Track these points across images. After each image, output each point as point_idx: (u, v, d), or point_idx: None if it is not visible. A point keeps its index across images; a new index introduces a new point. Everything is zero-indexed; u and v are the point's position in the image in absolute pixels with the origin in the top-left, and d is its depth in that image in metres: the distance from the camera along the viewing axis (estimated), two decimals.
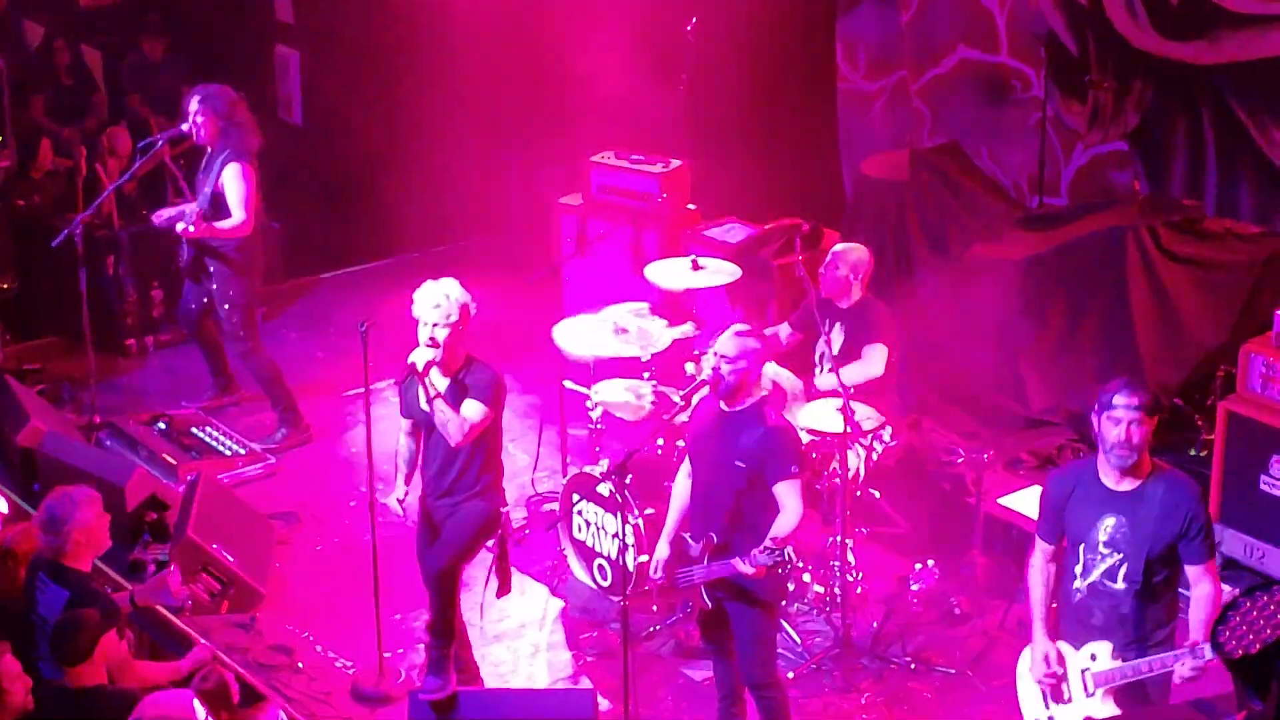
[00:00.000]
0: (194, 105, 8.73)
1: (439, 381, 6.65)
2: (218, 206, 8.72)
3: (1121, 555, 5.55)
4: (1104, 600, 5.61)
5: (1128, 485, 5.56)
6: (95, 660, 5.87)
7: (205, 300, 9.02)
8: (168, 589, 6.49)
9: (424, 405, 6.64)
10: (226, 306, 8.89)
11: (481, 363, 6.74)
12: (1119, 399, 5.49)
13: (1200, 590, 5.55)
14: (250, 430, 9.15)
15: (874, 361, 7.64)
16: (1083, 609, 5.66)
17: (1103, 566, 5.59)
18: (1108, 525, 5.57)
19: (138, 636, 6.79)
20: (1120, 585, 5.56)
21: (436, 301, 6.61)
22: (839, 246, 7.89)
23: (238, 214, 8.71)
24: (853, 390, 7.23)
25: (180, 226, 8.68)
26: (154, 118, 10.95)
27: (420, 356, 6.64)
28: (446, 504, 6.75)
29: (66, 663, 5.84)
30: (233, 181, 8.70)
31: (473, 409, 6.63)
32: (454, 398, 6.64)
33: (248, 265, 8.87)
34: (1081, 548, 5.63)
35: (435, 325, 6.60)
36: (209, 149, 8.78)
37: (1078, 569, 5.65)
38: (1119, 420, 5.48)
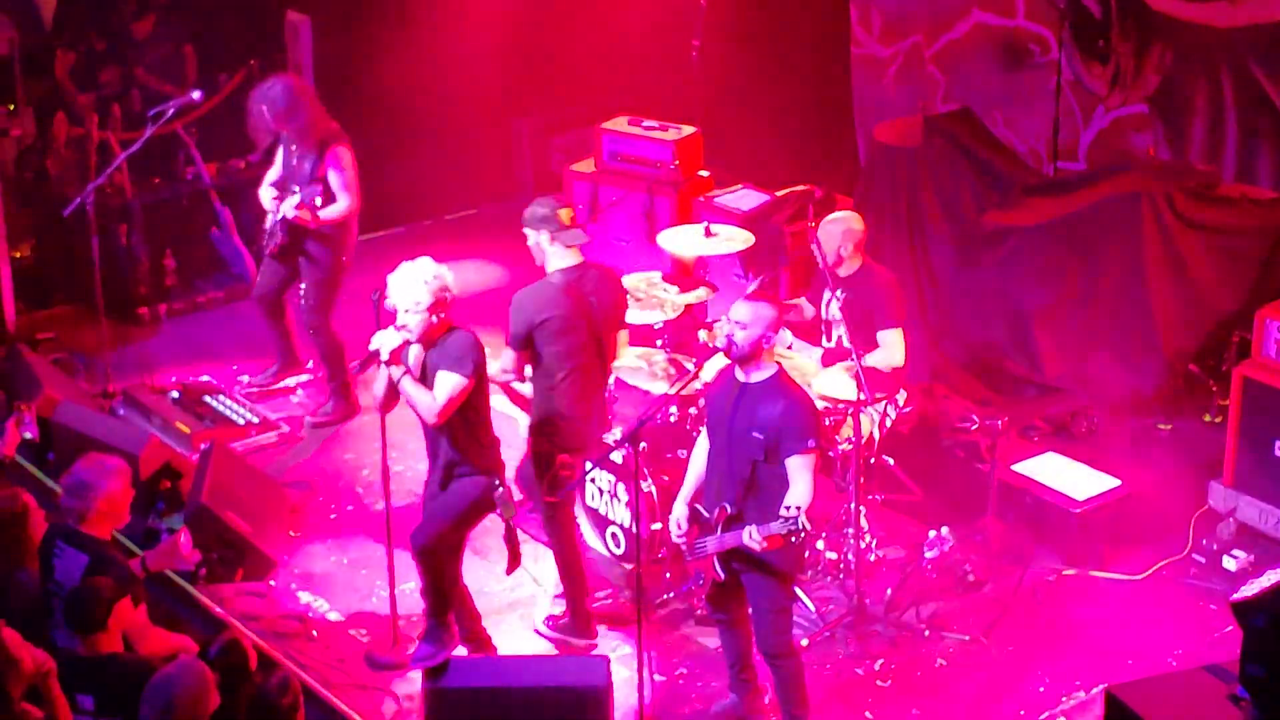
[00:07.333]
0: (257, 107, 8.57)
1: (411, 355, 6.49)
2: (326, 191, 8.66)
3: None
4: None
5: None
6: (111, 628, 5.89)
7: (286, 277, 8.92)
8: (179, 554, 6.50)
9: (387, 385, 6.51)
10: (311, 282, 8.80)
11: (460, 330, 6.55)
12: None
13: None
14: (284, 403, 9.13)
15: (893, 348, 7.60)
16: None
17: None
18: None
19: (152, 605, 6.81)
20: None
21: (407, 287, 6.43)
22: (826, 220, 7.76)
23: (343, 199, 8.63)
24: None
25: (290, 212, 8.54)
26: (164, 85, 10.91)
27: (384, 342, 6.46)
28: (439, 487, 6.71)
29: (82, 631, 5.86)
30: (336, 167, 8.63)
31: (445, 383, 6.45)
32: (430, 370, 6.51)
33: (342, 245, 8.77)
34: None
35: (407, 311, 6.43)
36: (289, 136, 8.64)
37: None
38: None
